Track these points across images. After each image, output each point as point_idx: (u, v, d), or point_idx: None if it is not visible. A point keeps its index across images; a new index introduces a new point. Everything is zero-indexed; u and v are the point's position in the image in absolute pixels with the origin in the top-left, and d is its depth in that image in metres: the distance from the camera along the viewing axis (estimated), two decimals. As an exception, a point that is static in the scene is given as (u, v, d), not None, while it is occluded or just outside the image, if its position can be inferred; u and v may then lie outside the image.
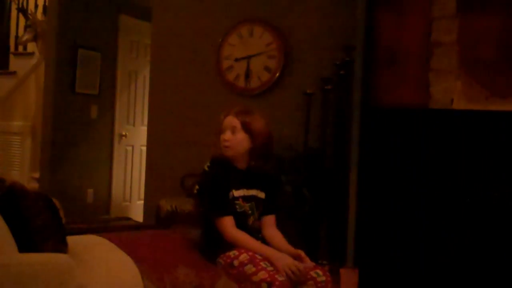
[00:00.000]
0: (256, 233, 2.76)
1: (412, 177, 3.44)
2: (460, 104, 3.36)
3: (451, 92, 3.38)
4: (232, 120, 2.74)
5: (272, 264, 2.52)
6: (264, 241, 2.75)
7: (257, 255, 2.56)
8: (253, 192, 2.80)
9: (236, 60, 4.51)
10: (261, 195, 2.82)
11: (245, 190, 2.77)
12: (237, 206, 2.73)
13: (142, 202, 5.41)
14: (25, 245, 2.13)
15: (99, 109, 6.28)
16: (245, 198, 2.77)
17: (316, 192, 3.74)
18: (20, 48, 6.77)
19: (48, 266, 2.04)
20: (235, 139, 2.73)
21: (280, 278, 2.42)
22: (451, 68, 3.40)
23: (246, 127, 2.73)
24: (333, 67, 3.94)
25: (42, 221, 2.18)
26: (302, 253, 2.65)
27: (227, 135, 2.73)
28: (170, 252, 2.68)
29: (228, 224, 2.66)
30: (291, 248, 2.69)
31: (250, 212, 2.77)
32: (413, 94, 3.48)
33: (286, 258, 2.55)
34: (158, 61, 4.98)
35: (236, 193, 2.74)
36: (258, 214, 2.80)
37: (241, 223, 2.71)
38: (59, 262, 2.08)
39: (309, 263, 2.62)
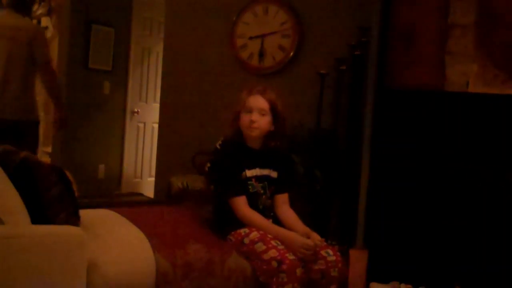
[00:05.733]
0: (268, 211, 2.77)
1: (425, 159, 3.42)
2: (476, 87, 3.32)
3: (467, 74, 3.35)
4: (260, 101, 2.70)
5: (282, 243, 2.52)
6: (276, 219, 2.76)
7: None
8: (266, 171, 2.79)
9: (250, 38, 4.48)
10: (274, 174, 2.81)
11: (258, 169, 2.77)
12: (249, 187, 2.72)
13: (153, 179, 5.44)
14: (38, 217, 2.14)
15: (111, 85, 6.28)
16: (258, 178, 2.76)
17: (328, 173, 3.73)
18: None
19: (61, 238, 2.06)
20: (263, 121, 2.70)
21: (290, 257, 2.42)
22: (468, 51, 3.36)
23: (274, 109, 2.71)
24: (348, 48, 3.90)
25: (55, 193, 2.20)
26: (314, 234, 2.65)
27: (256, 116, 2.69)
28: (182, 228, 2.69)
29: (241, 204, 2.66)
30: (303, 226, 2.69)
31: (262, 192, 2.77)
32: (428, 76, 3.45)
33: (297, 239, 2.54)
34: (171, 38, 4.96)
35: (249, 173, 2.74)
36: (270, 193, 2.80)
37: (254, 203, 2.72)
38: (71, 234, 2.10)
39: (319, 242, 2.61)
